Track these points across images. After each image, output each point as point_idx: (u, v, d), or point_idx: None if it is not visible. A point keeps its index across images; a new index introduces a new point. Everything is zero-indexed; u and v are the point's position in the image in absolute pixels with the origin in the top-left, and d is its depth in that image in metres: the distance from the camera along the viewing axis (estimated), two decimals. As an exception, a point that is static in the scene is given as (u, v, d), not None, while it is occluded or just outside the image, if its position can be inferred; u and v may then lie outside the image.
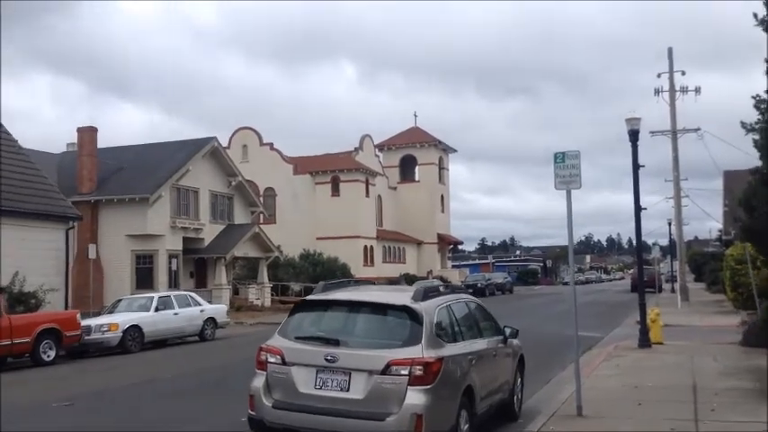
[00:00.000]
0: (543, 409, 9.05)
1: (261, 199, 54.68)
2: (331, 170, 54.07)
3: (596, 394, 9.88)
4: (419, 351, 6.10)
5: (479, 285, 51.46)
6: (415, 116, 70.97)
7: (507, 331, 8.59)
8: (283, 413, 6.25)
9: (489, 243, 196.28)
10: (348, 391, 6.08)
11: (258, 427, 6.51)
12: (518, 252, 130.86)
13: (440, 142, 64.82)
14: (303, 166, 55.51)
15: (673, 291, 43.55)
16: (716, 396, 9.26)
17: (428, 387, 5.98)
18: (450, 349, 6.58)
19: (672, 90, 35.79)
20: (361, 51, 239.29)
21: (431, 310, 6.62)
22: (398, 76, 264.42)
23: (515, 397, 8.91)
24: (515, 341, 9.12)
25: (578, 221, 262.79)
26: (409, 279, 53.26)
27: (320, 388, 6.18)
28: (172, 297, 20.37)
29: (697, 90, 35.60)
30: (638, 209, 15.37)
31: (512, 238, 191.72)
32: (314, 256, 46.58)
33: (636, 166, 15.44)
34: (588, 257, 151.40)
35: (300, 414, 6.14)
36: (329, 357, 6.17)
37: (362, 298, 6.95)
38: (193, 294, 21.92)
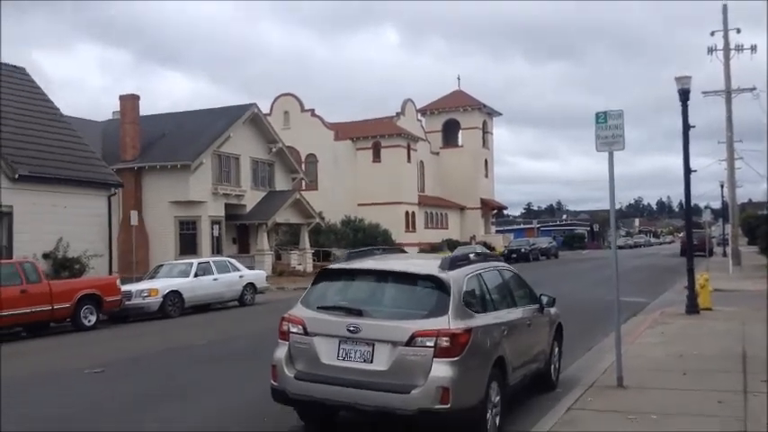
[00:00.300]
0: (583, 379, 8.68)
1: (302, 165, 54.90)
2: (372, 136, 53.65)
3: (639, 363, 9.45)
4: (446, 322, 5.78)
5: (523, 250, 50.80)
6: (459, 80, 70.11)
7: (544, 300, 8.19)
8: (306, 384, 6.03)
9: (535, 207, 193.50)
10: (372, 362, 5.82)
11: (281, 398, 6.32)
12: (564, 216, 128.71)
13: (484, 106, 63.60)
14: (344, 131, 55.25)
15: (724, 255, 42.18)
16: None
17: (455, 359, 5.67)
18: (480, 320, 6.24)
19: (726, 48, 34.08)
20: (403, 15, 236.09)
21: (459, 279, 6.28)
22: (441, 40, 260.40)
23: (552, 366, 8.55)
24: (552, 309, 8.73)
25: (627, 185, 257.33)
26: (452, 245, 53.00)
27: (343, 359, 5.93)
28: (211, 263, 20.48)
29: (753, 48, 33.83)
30: (687, 170, 14.61)
31: (558, 203, 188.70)
32: (355, 222, 46.58)
33: (686, 127, 14.64)
34: (637, 221, 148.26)
35: (323, 386, 5.92)
36: (352, 328, 5.90)
37: (387, 267, 6.59)
38: (233, 260, 22.01)
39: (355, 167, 53.95)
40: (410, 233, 53.68)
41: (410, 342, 5.70)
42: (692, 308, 14.84)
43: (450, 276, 6.16)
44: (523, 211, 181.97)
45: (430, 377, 5.60)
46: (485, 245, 60.04)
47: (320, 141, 54.79)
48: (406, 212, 53.90)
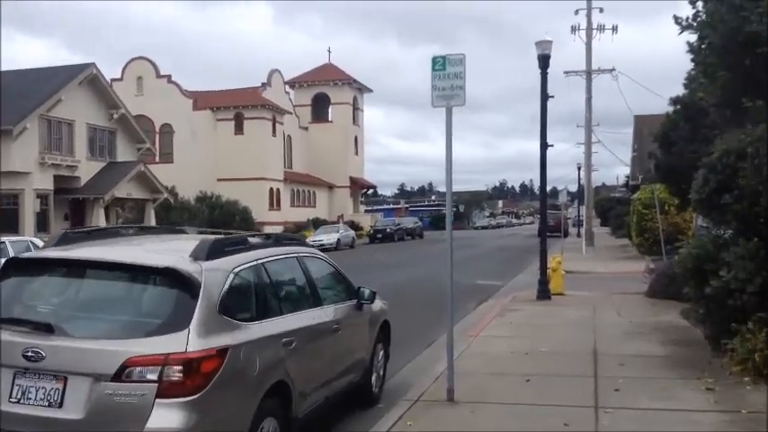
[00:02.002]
0: (412, 388, 7.12)
1: (156, 136, 50.81)
2: (234, 106, 50.41)
3: (479, 364, 8.07)
4: (182, 341, 3.89)
5: (388, 231, 49.91)
6: (329, 52, 67.29)
7: (364, 293, 6.50)
8: None
9: (408, 188, 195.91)
10: (61, 407, 3.83)
11: None
12: (433, 197, 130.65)
13: (355, 81, 61.84)
14: (204, 100, 51.56)
15: (579, 236, 43.29)
16: (621, 367, 7.58)
17: (193, 398, 3.80)
18: (248, 332, 4.40)
19: (589, 28, 34.38)
20: None
21: (219, 274, 4.37)
22: (316, 17, 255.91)
23: (375, 375, 6.91)
24: (378, 304, 7.08)
25: (493, 168, 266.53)
26: (318, 224, 51.22)
27: (18, 401, 3.88)
28: (7, 244, 17.29)
29: (614, 29, 34.38)
30: (544, 144, 13.56)
31: (430, 184, 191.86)
32: (211, 199, 43.44)
33: (544, 96, 13.57)
34: (501, 203, 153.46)
35: None
36: (31, 353, 3.87)
37: (106, 256, 4.50)
38: (35, 240, 18.85)
39: (215, 140, 50.56)
40: (274, 211, 51.24)
41: (120, 375, 3.76)
42: (544, 293, 13.93)
43: (202, 270, 4.25)
44: (397, 191, 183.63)
45: (146, 429, 3.69)
46: (352, 224, 58.97)
47: (177, 110, 50.79)
48: (271, 189, 51.32)
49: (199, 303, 4.07)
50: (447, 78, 6.34)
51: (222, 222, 42.39)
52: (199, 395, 3.82)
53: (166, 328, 3.95)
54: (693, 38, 6.39)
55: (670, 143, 11.75)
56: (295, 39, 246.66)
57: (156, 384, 3.75)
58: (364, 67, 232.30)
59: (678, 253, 19.06)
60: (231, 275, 4.47)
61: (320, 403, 5.44)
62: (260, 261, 4.95)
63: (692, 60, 6.80)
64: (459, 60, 6.32)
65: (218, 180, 48.53)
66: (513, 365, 7.95)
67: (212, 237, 4.94)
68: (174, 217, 41.22)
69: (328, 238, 39.58)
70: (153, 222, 36.50)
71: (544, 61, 13.27)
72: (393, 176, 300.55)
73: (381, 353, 7.17)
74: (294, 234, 32.80)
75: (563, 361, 8.07)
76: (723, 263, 7.73)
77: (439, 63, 6.30)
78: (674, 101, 11.62)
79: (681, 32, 6.45)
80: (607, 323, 10.78)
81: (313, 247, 6.69)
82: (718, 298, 7.67)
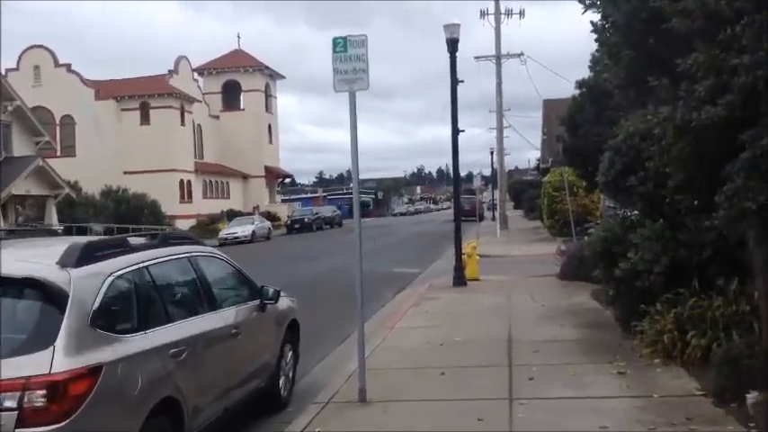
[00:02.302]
0: (324, 389, 6.79)
1: (57, 128, 48.11)
2: (140, 95, 48.34)
3: (393, 358, 7.82)
4: (46, 361, 3.39)
5: (306, 220, 49.26)
6: (239, 38, 65.20)
7: (267, 292, 6.07)
8: None
9: (327, 176, 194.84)
10: None
11: None
12: (352, 185, 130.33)
13: (266, 67, 60.47)
14: (107, 90, 49.16)
15: (493, 219, 44.07)
16: (535, 354, 7.50)
17: (60, 426, 3.32)
18: (128, 345, 3.92)
19: (497, 13, 34.77)
20: None
21: (92, 282, 3.86)
22: (224, 2, 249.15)
23: (283, 379, 6.51)
24: (285, 302, 6.69)
25: (411, 154, 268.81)
26: (233, 215, 49.89)
27: None
28: None
29: (521, 13, 34.91)
30: (455, 129, 13.45)
31: (348, 171, 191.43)
32: (117, 193, 41.48)
33: (454, 81, 13.43)
34: (419, 188, 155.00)
35: None
36: None
37: None
38: None
39: (120, 131, 48.32)
40: (186, 204, 49.58)
41: None
42: (460, 279, 13.88)
43: (70, 278, 3.73)
44: (315, 179, 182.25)
45: None
46: (268, 215, 57.87)
47: (78, 101, 48.18)
48: (181, 181, 49.60)
49: (66, 317, 3.57)
50: (349, 61, 5.98)
51: (130, 217, 40.64)
52: (67, 422, 3.34)
53: (28, 347, 3.45)
54: (597, 17, 6.26)
55: (576, 126, 11.87)
56: (203, 25, 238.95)
57: (16, 413, 3.24)
58: (275, 53, 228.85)
59: (588, 234, 19.53)
60: (107, 283, 3.97)
61: (219, 415, 5.02)
62: (143, 265, 4.45)
63: (597, 41, 6.69)
64: (362, 42, 5.96)
65: (125, 173, 46.47)
66: (428, 358, 7.74)
67: (85, 239, 4.41)
68: (78, 214, 39.11)
69: (242, 230, 38.57)
70: (54, 220, 34.50)
71: (453, 45, 13.13)
72: (311, 165, 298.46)
73: (290, 354, 6.78)
74: (185, 232, 31.60)
75: (478, 350, 7.93)
76: (631, 245, 7.78)
77: (340, 45, 5.93)
78: (580, 84, 11.72)
79: (584, 11, 6.32)
80: (521, 308, 10.78)
81: (206, 246, 6.16)
82: (627, 280, 7.71)
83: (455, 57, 13.30)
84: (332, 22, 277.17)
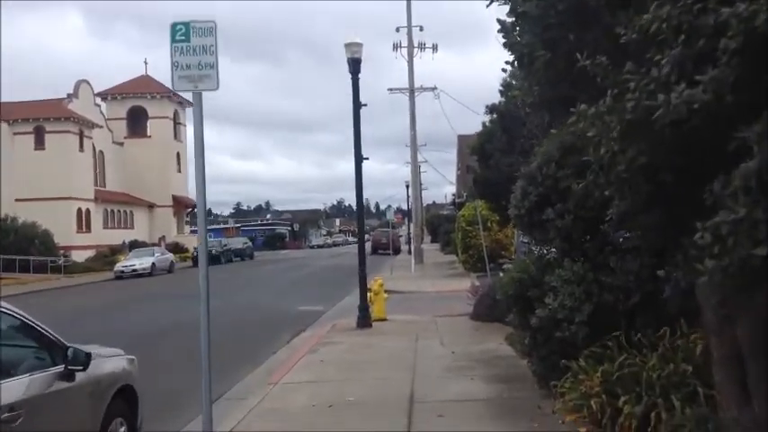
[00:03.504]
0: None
1: (-61, 151, 44.12)
2: (34, 118, 45.00)
3: (267, 426, 6.37)
4: None
5: (214, 252, 46.69)
6: (146, 63, 61.93)
7: (77, 355, 4.52)
8: None
9: (245, 207, 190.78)
10: None
11: None
12: (268, 216, 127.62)
13: (175, 94, 57.77)
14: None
15: (410, 253, 43.22)
16: (439, 420, 6.25)
17: None
18: None
19: (410, 46, 34.31)
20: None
21: None
22: (132, 28, 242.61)
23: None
24: (113, 365, 5.17)
25: (331, 187, 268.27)
26: (137, 246, 46.83)
27: None
28: None
29: (434, 47, 34.60)
30: (358, 155, 12.26)
31: (267, 203, 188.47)
32: (5, 222, 38.04)
33: (357, 104, 12.29)
34: (338, 221, 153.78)
35: None
36: None
37: None
38: None
39: (13, 155, 44.67)
40: (84, 234, 46.22)
41: None
42: (364, 320, 12.58)
43: None
44: (233, 210, 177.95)
45: None
46: (176, 246, 54.97)
47: (-35, 123, 44.36)
48: (79, 210, 46.24)
49: None
50: (193, 54, 4.65)
51: (18, 249, 37.32)
52: None
53: None
54: (506, 11, 5.16)
55: (486, 156, 10.96)
56: (110, 51, 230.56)
57: None
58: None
59: (503, 270, 18.67)
60: None
61: None
62: None
63: (505, 45, 5.56)
64: (210, 30, 4.66)
65: (17, 200, 42.85)
66: (311, 425, 6.33)
67: None
68: (-43, 244, 35.62)
69: (141, 262, 35.93)
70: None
71: (355, 65, 12.03)
72: (230, 196, 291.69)
73: (123, 430, 5.22)
74: None
75: (373, 414, 6.60)
76: (548, 288, 6.71)
77: (180, 32, 4.61)
78: (490, 109, 10.82)
79: (489, 4, 5.22)
80: (428, 355, 9.56)
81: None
82: (545, 329, 6.62)
83: (357, 78, 12.19)
84: (247, 55, 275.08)
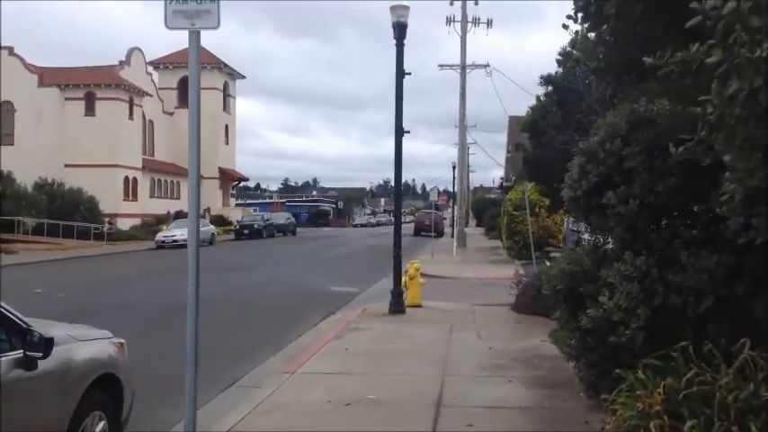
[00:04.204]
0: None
1: (-7, 113, 45.00)
2: (85, 84, 45.34)
3: (272, 426, 5.63)
4: None
5: (256, 226, 46.69)
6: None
7: (35, 340, 3.80)
8: None
9: (293, 183, 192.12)
10: None
11: None
12: (314, 192, 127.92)
13: (225, 65, 57.94)
14: (51, 77, 46.04)
15: (453, 236, 42.22)
16: (468, 430, 5.38)
17: None
18: None
19: (464, 20, 33.03)
20: None
21: None
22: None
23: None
24: (91, 350, 4.47)
25: (378, 166, 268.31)
26: (180, 216, 47.03)
27: None
28: None
29: (489, 23, 33.21)
30: (399, 128, 11.37)
31: (314, 179, 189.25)
32: (52, 187, 38.47)
33: (400, 72, 11.38)
34: (383, 200, 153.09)
35: None
36: None
37: None
38: None
39: (63, 121, 45.22)
40: (130, 202, 46.67)
41: None
42: (397, 306, 11.78)
43: None
44: (281, 186, 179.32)
45: None
46: (221, 218, 55.17)
47: (20, 86, 44.90)
48: (126, 178, 46.64)
49: None
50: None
51: (65, 214, 37.71)
52: None
53: None
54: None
55: (539, 133, 9.94)
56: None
57: None
58: (242, 57, 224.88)
59: (550, 259, 17.58)
60: None
61: None
62: None
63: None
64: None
65: (66, 166, 43.43)
66: (321, 429, 5.57)
67: None
68: (6, 207, 36.15)
69: (182, 233, 35.72)
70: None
71: (400, 30, 11.11)
72: (277, 171, 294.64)
73: (101, 425, 4.53)
74: None
75: (392, 419, 5.80)
76: (604, 284, 5.76)
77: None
78: (546, 80, 9.74)
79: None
80: (463, 350, 8.70)
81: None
82: (597, 332, 5.69)
83: (402, 44, 11.28)
84: (300, 31, 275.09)
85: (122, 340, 5.05)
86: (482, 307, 12.73)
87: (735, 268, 5.29)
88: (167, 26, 4.03)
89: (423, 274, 15.32)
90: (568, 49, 9.59)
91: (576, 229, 20.81)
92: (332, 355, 8.49)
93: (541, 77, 9.93)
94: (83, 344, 4.40)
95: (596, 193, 5.96)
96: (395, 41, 11.22)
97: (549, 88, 9.87)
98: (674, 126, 5.93)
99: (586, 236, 21.87)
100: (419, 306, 12.55)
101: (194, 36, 4.05)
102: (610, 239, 6.28)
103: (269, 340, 10.06)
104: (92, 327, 5.12)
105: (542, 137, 9.76)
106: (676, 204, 5.65)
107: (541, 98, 10.17)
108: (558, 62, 9.50)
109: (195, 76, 4.20)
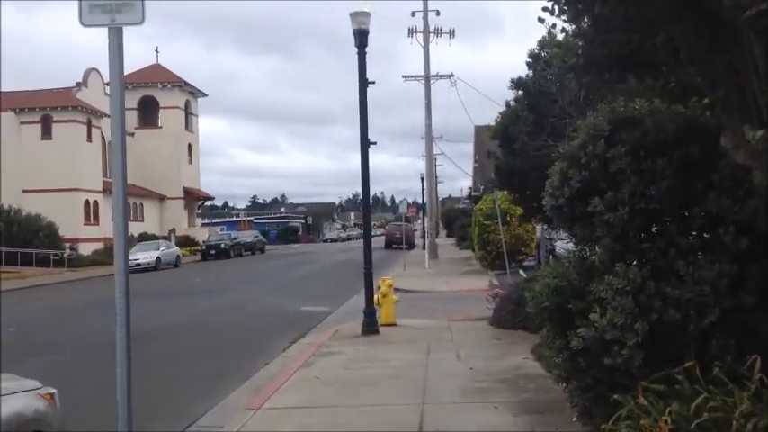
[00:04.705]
0: None
1: (-55, 140, 43.41)
2: (41, 107, 44.04)
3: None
4: None
5: (223, 246, 45.64)
6: (157, 53, 60.67)
7: None
8: None
9: (261, 200, 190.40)
10: None
11: None
12: (282, 209, 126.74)
13: (186, 83, 56.92)
14: (6, 101, 44.39)
15: (424, 248, 41.81)
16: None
17: None
18: None
19: (426, 31, 32.78)
20: None
21: None
22: (148, 22, 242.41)
23: None
24: (6, 408, 3.77)
25: (346, 180, 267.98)
26: (146, 239, 45.79)
27: None
28: None
29: (451, 33, 33.02)
30: (365, 139, 10.83)
31: (282, 196, 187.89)
32: (9, 213, 37.08)
33: (363, 82, 10.85)
34: (353, 215, 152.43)
35: None
36: None
37: None
38: None
39: (19, 145, 43.78)
40: (91, 226, 45.25)
41: None
42: (370, 326, 11.18)
43: None
44: (249, 204, 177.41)
45: None
46: (186, 239, 54.01)
47: (-28, 112, 43.53)
48: (87, 201, 45.27)
49: None
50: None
51: (23, 241, 36.35)
52: None
53: None
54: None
55: (511, 140, 9.49)
56: (125, 44, 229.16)
57: None
58: (203, 76, 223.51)
59: (523, 268, 17.13)
60: None
61: None
62: None
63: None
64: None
65: (24, 191, 42.00)
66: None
67: None
68: (-40, 236, 34.75)
69: (145, 256, 34.83)
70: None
71: (361, 37, 10.61)
72: (246, 190, 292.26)
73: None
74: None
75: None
76: (594, 299, 5.26)
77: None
78: (516, 83, 9.31)
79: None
80: (442, 372, 8.14)
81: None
82: (590, 353, 5.18)
83: (364, 52, 10.76)
84: (261, 48, 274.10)
85: (52, 390, 4.37)
86: (459, 323, 12.22)
87: (738, 277, 4.84)
88: (82, 23, 3.45)
89: (396, 289, 14.78)
90: (537, 50, 9.20)
91: (548, 237, 20.49)
92: (301, 386, 7.85)
93: (512, 81, 9.50)
94: (3, 399, 3.73)
95: (580, 200, 5.47)
96: (356, 49, 10.69)
97: (520, 92, 9.44)
98: (659, 125, 5.52)
99: (559, 243, 21.59)
100: (393, 325, 11.98)
101: (115, 33, 3.46)
102: (597, 250, 5.79)
103: (233, 370, 9.39)
104: (16, 376, 4.44)
105: (514, 143, 9.33)
106: (670, 209, 5.19)
107: (511, 103, 9.75)
108: (528, 65, 9.09)
109: (117, 79, 3.63)
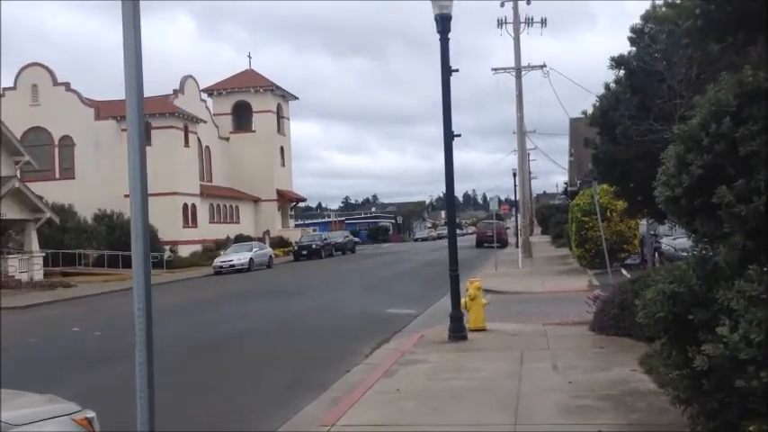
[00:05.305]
0: None
1: (55, 149, 46.05)
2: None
3: None
4: None
5: (314, 246, 45.91)
6: (250, 58, 62.77)
7: None
8: None
9: (353, 201, 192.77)
10: None
11: None
12: (373, 209, 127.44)
13: (277, 87, 57.97)
14: (107, 110, 46.76)
15: (517, 246, 40.43)
16: None
17: None
18: None
19: (516, 21, 31.53)
20: (199, 2, 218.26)
21: None
22: (241, 30, 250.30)
23: None
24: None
25: (437, 179, 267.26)
26: (241, 240, 46.85)
27: None
28: None
29: (543, 22, 31.58)
30: (448, 131, 10.09)
31: (374, 196, 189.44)
32: (111, 218, 38.77)
33: (446, 69, 10.12)
34: (443, 213, 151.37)
35: None
36: None
37: None
38: None
39: (121, 152, 45.55)
40: (190, 229, 46.76)
41: None
42: (458, 332, 10.43)
43: None
44: (341, 204, 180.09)
45: None
46: (280, 240, 54.96)
47: (77, 121, 46.00)
48: (185, 205, 46.82)
49: None
50: None
51: (124, 243, 37.86)
52: None
53: None
54: None
55: (611, 125, 8.48)
56: (220, 52, 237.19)
57: None
58: (294, 80, 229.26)
59: (626, 267, 15.79)
60: None
61: None
62: None
63: None
64: None
65: (126, 196, 43.48)
66: None
67: None
68: (68, 239, 36.61)
69: (239, 258, 35.40)
70: (35, 246, 31.81)
71: (443, 23, 9.88)
72: (337, 190, 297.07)
73: None
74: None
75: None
76: (721, 308, 4.33)
77: None
78: (617, 61, 8.28)
79: None
80: (537, 386, 7.31)
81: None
82: (718, 372, 4.26)
83: (447, 38, 10.03)
84: (350, 49, 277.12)
85: (91, 414, 3.94)
86: (555, 328, 11.28)
87: None
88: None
89: (486, 290, 13.99)
90: (641, 25, 8.15)
91: (654, 233, 18.98)
92: (380, 399, 7.23)
93: (612, 59, 8.48)
94: (26, 428, 3.31)
95: (702, 189, 4.55)
96: (438, 35, 9.99)
97: (621, 72, 8.42)
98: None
99: (666, 240, 19.92)
100: (483, 330, 11.18)
101: (130, 7, 2.97)
102: (722, 249, 4.84)
103: (313, 377, 8.93)
104: (56, 397, 4.05)
105: (615, 130, 8.34)
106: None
107: (611, 85, 8.74)
108: (631, 40, 8.08)
109: (133, 59, 3.10)
